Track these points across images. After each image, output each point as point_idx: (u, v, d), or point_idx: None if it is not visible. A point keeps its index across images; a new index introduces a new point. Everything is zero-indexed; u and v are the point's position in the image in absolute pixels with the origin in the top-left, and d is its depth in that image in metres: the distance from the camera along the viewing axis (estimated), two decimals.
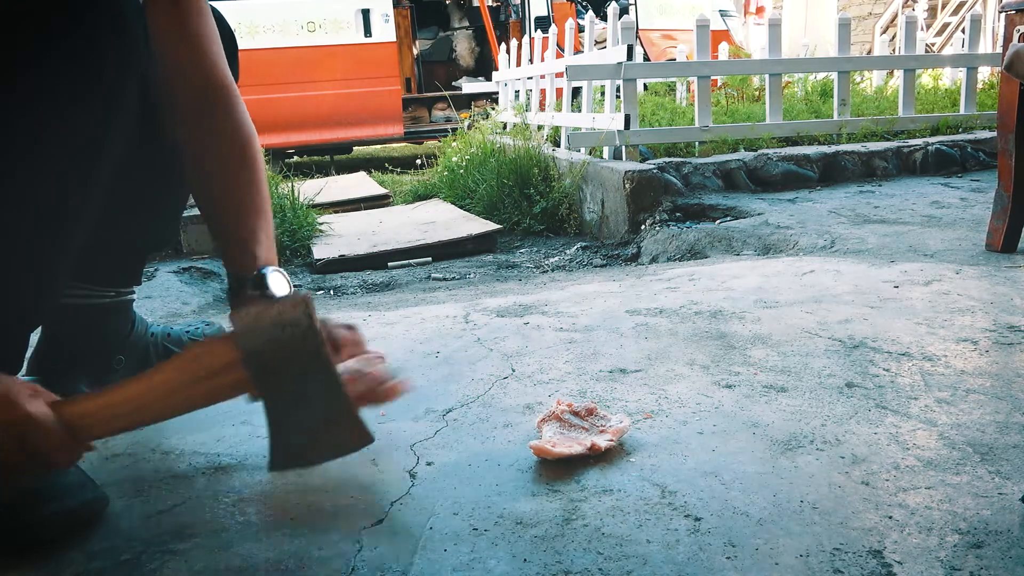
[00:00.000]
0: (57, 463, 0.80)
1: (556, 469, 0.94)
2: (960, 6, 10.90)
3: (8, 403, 0.76)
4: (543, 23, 6.53)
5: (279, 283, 0.93)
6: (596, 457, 0.96)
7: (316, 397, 0.82)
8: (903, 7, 10.97)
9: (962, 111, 4.00)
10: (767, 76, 3.64)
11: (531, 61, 4.90)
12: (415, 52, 6.98)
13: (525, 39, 5.22)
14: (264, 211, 1.00)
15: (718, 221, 2.78)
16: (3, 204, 0.81)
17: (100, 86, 0.83)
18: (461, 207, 3.83)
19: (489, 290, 2.02)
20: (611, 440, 0.98)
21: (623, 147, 3.27)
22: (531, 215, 3.41)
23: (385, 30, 6.42)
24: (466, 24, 7.46)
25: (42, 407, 0.78)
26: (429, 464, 0.98)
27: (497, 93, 6.05)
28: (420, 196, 4.45)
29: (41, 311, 0.93)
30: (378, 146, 8.30)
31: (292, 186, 3.40)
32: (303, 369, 0.81)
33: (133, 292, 1.25)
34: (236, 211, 0.99)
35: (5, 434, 0.75)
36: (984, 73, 5.01)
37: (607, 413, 1.05)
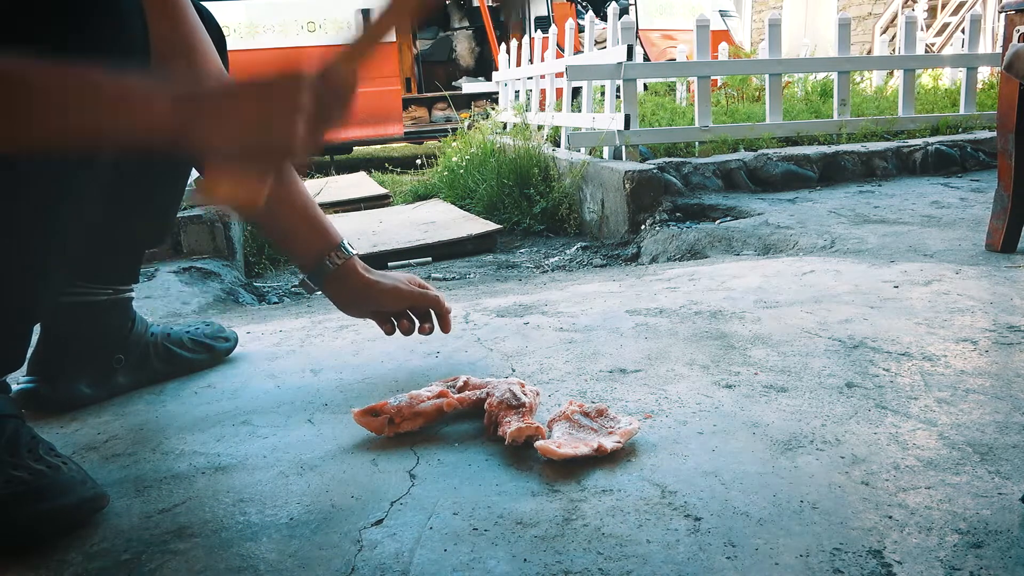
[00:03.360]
0: (349, 93, 0.79)
1: (557, 469, 0.94)
2: (960, 6, 10.90)
3: (291, 70, 0.74)
4: (543, 23, 6.53)
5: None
6: (600, 458, 0.96)
7: None
8: (903, 7, 10.97)
9: (962, 111, 4.00)
10: (767, 76, 3.64)
11: (531, 61, 4.90)
12: (415, 52, 6.98)
13: (525, 39, 5.22)
14: (307, 193, 1.06)
15: (718, 221, 2.78)
16: (2, 201, 0.81)
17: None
18: (461, 207, 3.83)
19: (489, 290, 2.02)
20: (619, 442, 0.97)
21: (623, 147, 3.27)
22: (531, 215, 3.41)
23: None
24: (466, 24, 7.46)
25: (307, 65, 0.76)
26: (429, 464, 0.98)
27: (497, 93, 6.06)
28: (420, 196, 4.45)
29: (42, 306, 0.93)
30: (378, 146, 8.30)
31: None
32: None
33: (131, 290, 1.25)
34: (291, 203, 1.03)
35: (302, 93, 0.73)
36: (984, 73, 5.01)
37: (618, 415, 1.04)
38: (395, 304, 1.25)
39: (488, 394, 1.10)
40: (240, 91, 0.73)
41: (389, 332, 1.27)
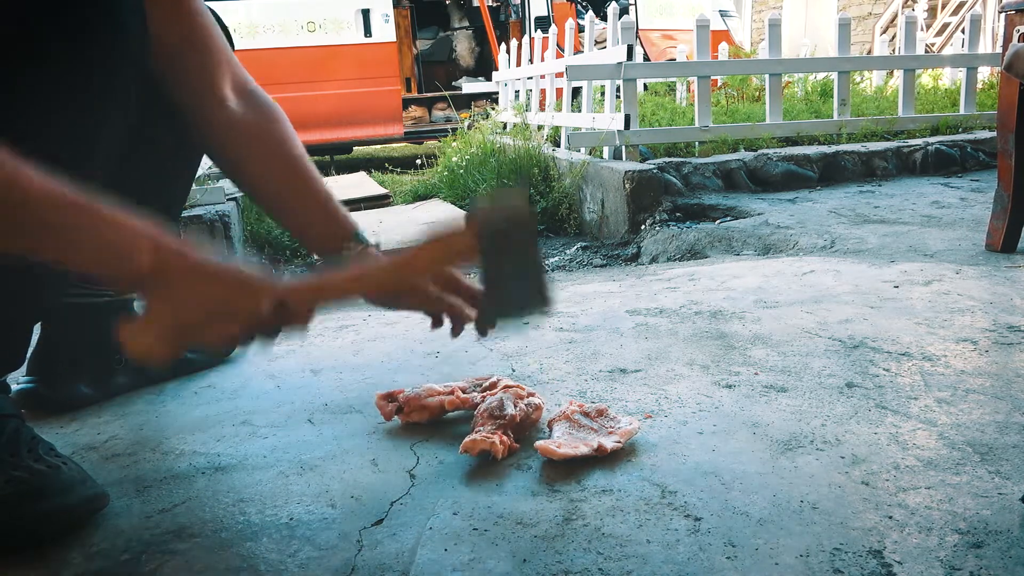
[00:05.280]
0: (298, 327, 0.85)
1: (557, 469, 0.94)
2: (960, 6, 10.90)
3: (266, 279, 0.81)
4: (543, 23, 6.53)
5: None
6: (600, 458, 0.96)
7: (526, 270, 1.00)
8: (903, 7, 10.97)
9: (962, 111, 4.00)
10: (767, 76, 3.64)
11: (531, 61, 4.90)
12: (415, 52, 6.98)
13: (525, 39, 5.22)
14: (323, 183, 1.09)
15: (718, 221, 2.78)
16: None
17: (97, 84, 0.84)
18: (461, 207, 3.83)
19: None
20: (619, 442, 0.97)
21: (623, 147, 3.27)
22: None
23: (385, 30, 6.42)
24: (466, 24, 7.46)
25: (285, 284, 0.83)
26: (429, 464, 0.98)
27: (497, 93, 6.06)
28: (420, 196, 4.45)
29: (43, 307, 0.93)
30: (378, 146, 8.30)
31: None
32: (520, 247, 0.99)
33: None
34: (310, 194, 1.06)
35: (263, 304, 0.79)
36: (984, 73, 5.01)
37: (618, 415, 1.04)
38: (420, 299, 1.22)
39: (483, 399, 1.10)
40: (214, 279, 0.77)
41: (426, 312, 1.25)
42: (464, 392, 1.13)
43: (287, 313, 0.82)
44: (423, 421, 1.10)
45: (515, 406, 1.05)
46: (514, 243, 0.99)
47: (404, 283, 0.96)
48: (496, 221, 0.97)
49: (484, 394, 1.12)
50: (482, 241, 0.97)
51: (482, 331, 1.03)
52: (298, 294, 0.84)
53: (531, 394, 1.09)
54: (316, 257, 1.11)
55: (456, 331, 1.07)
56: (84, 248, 0.72)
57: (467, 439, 0.98)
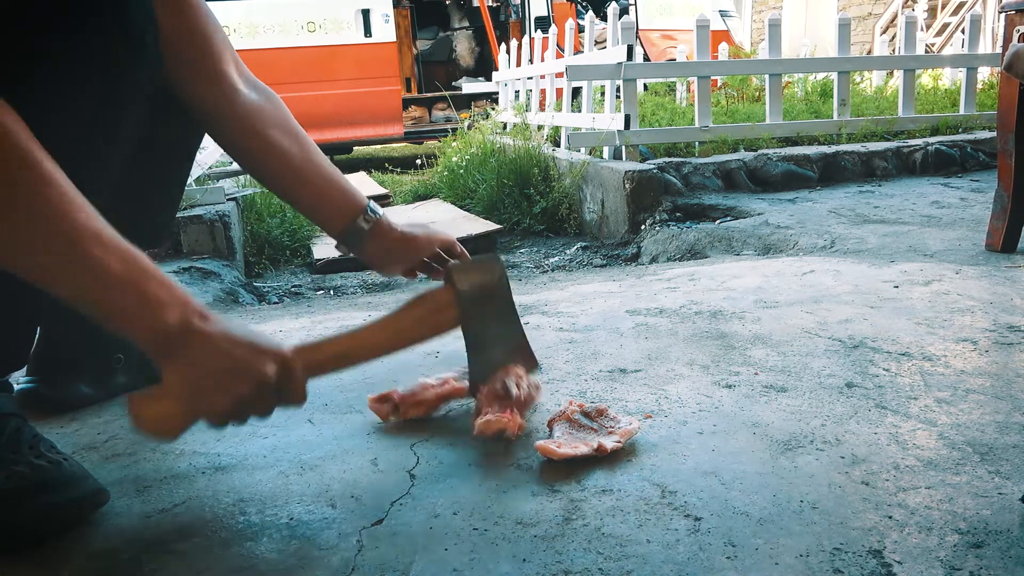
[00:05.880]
0: (293, 403, 0.87)
1: (557, 469, 0.94)
2: (960, 6, 10.90)
3: (276, 344, 0.83)
4: (543, 23, 6.53)
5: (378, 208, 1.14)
6: (600, 458, 0.96)
7: (505, 328, 1.08)
8: (903, 7, 10.97)
9: (962, 111, 4.00)
10: (767, 76, 3.64)
11: (531, 61, 4.90)
12: (415, 52, 6.98)
13: (525, 39, 5.22)
14: (328, 161, 1.12)
15: (718, 221, 2.78)
16: None
17: (107, 85, 0.84)
18: (461, 207, 3.83)
19: None
20: (619, 442, 0.97)
21: (623, 147, 3.27)
22: (531, 215, 3.41)
23: (385, 30, 6.42)
24: (466, 24, 7.46)
25: (290, 352, 0.84)
26: (429, 464, 0.98)
27: (497, 93, 6.06)
28: (420, 196, 4.46)
29: (44, 307, 0.93)
30: (378, 146, 8.30)
31: None
32: (498, 306, 1.07)
33: None
34: (319, 172, 1.09)
35: (271, 367, 0.81)
36: (984, 73, 5.01)
37: (618, 415, 1.04)
38: (429, 248, 1.21)
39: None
40: (232, 343, 0.79)
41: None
42: (456, 381, 1.15)
43: (289, 377, 0.83)
44: (423, 415, 1.12)
45: (518, 387, 1.07)
46: (490, 300, 1.06)
47: (396, 348, 1.01)
48: (471, 279, 1.05)
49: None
50: (460, 299, 1.04)
51: (472, 391, 1.08)
52: (301, 362, 0.86)
53: (528, 374, 1.13)
54: (327, 235, 1.14)
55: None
56: (116, 294, 0.73)
57: (480, 421, 1.01)
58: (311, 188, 1.09)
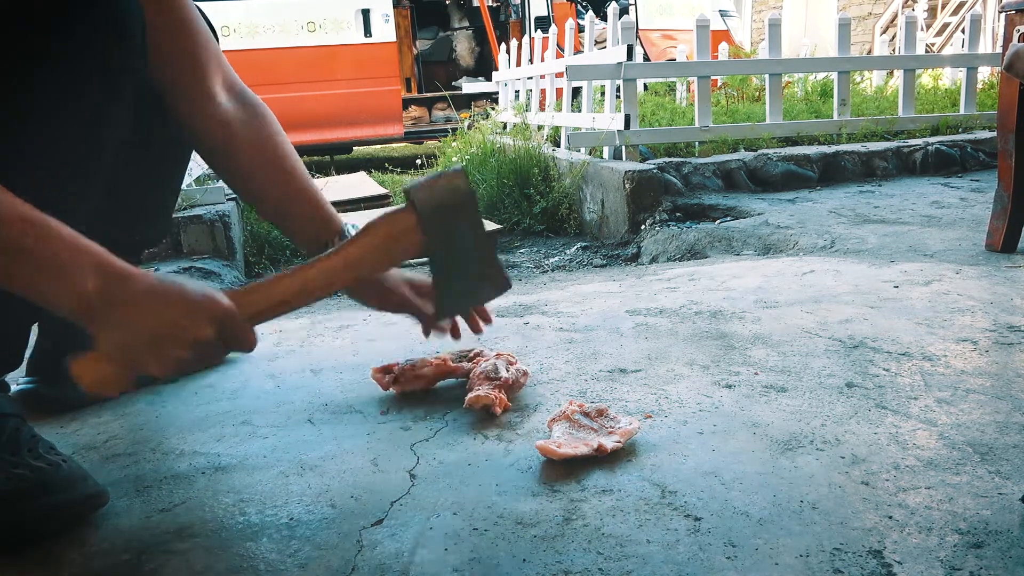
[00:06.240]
0: (243, 351, 0.87)
1: (557, 469, 0.94)
2: (960, 6, 10.90)
3: (211, 299, 0.81)
4: (543, 23, 6.53)
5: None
6: (600, 458, 0.96)
7: (473, 251, 0.97)
8: (903, 7, 10.97)
9: (962, 111, 4.00)
10: (767, 76, 3.64)
11: (531, 61, 4.90)
12: (415, 52, 6.98)
13: (525, 39, 5.22)
14: (311, 181, 1.11)
15: (718, 221, 2.78)
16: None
17: (99, 84, 0.84)
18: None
19: None
20: (619, 442, 0.97)
21: (623, 147, 3.27)
22: (531, 215, 3.41)
23: (385, 30, 6.41)
24: (466, 24, 7.46)
25: (229, 301, 0.83)
26: (429, 464, 0.98)
27: (497, 93, 6.06)
28: None
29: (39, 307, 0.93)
30: (378, 146, 8.30)
31: None
32: (465, 227, 0.96)
33: None
34: (304, 194, 1.08)
35: (209, 326, 0.80)
36: (984, 73, 5.01)
37: (618, 415, 1.04)
38: (379, 303, 1.17)
39: (475, 364, 1.22)
40: (159, 299, 0.77)
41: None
42: (453, 362, 1.25)
43: (231, 331, 0.82)
44: (420, 388, 1.21)
45: (507, 370, 1.17)
46: (457, 221, 0.95)
47: (349, 281, 0.94)
48: (434, 200, 0.93)
49: (475, 359, 1.25)
50: (423, 222, 0.92)
51: (436, 327, 1.06)
52: (242, 307, 0.84)
53: (518, 362, 1.23)
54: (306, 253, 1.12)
55: (425, 331, 1.10)
56: (26, 265, 0.71)
57: (470, 395, 1.11)
58: (282, 210, 1.09)
